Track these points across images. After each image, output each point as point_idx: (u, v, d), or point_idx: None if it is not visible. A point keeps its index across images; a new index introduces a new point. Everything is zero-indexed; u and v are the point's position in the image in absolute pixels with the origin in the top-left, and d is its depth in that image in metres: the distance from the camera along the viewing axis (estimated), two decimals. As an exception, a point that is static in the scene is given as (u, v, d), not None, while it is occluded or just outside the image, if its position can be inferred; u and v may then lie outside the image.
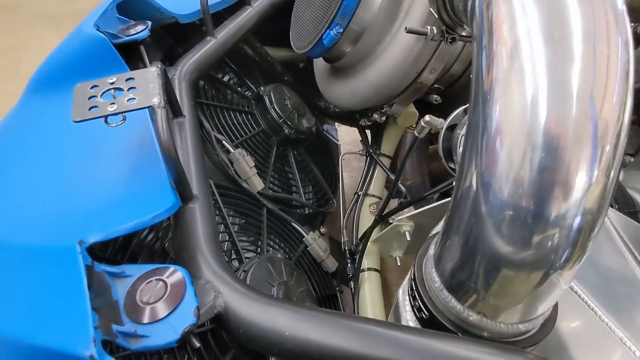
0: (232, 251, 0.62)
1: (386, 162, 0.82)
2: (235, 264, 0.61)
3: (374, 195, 0.80)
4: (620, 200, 0.75)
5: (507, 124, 0.31)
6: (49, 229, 0.31)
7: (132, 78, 0.38)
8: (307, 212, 0.84)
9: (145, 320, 0.25)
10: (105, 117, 0.35)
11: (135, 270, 0.28)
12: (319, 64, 0.81)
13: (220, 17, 0.75)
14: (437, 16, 0.47)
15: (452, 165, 0.47)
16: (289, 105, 0.86)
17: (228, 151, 0.71)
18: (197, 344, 0.30)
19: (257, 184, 0.72)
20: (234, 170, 0.70)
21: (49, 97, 0.49)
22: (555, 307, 0.40)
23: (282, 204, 0.78)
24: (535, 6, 0.32)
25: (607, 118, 0.29)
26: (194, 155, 0.44)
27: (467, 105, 0.46)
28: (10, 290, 0.27)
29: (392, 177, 0.74)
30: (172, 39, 0.79)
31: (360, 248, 0.68)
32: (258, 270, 0.53)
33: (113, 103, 0.35)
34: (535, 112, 0.30)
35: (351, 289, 0.68)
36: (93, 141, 0.39)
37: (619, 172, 0.31)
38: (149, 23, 0.53)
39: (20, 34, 2.51)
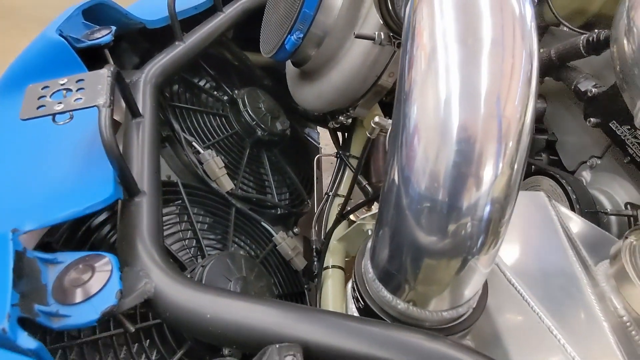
0: (197, 248, 0.64)
1: (355, 163, 0.84)
2: (200, 260, 0.63)
3: (343, 196, 0.82)
4: (582, 200, 0.77)
5: (423, 122, 0.34)
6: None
7: (82, 79, 0.40)
8: (279, 212, 0.86)
9: (70, 301, 0.27)
10: (53, 115, 0.37)
11: (67, 257, 0.30)
12: (290, 68, 0.83)
13: (196, 22, 0.78)
14: (382, 22, 0.49)
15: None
16: (263, 109, 0.88)
17: (198, 152, 0.73)
18: (132, 328, 0.32)
19: (226, 184, 0.74)
20: (203, 170, 0.72)
21: (8, 98, 0.51)
22: (484, 296, 0.42)
23: (253, 204, 0.80)
24: (453, 15, 0.34)
25: (510, 117, 0.31)
26: (149, 154, 0.46)
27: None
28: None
29: (362, 179, 0.75)
30: (148, 44, 0.82)
31: (324, 247, 0.70)
32: (217, 265, 0.55)
33: (60, 102, 0.37)
34: (448, 111, 0.32)
35: (315, 286, 0.70)
36: (43, 139, 0.42)
37: (524, 166, 0.33)
38: (113, 28, 0.55)
39: (13, 38, 2.53)
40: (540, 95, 1.08)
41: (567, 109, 0.97)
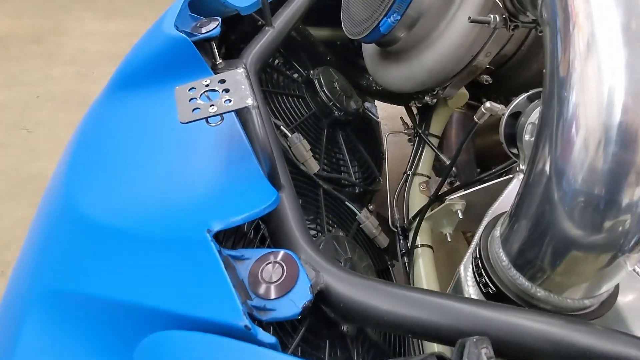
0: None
1: (434, 141, 0.84)
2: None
3: (422, 174, 0.83)
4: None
5: (583, 111, 0.33)
6: (174, 219, 0.36)
7: (224, 80, 0.41)
8: (357, 190, 0.88)
9: (271, 296, 0.30)
10: (207, 118, 0.39)
11: (252, 254, 0.33)
12: (369, 47, 0.82)
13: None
14: (501, 5, 0.48)
15: (514, 151, 0.50)
16: (338, 88, 0.89)
17: (285, 135, 0.75)
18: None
19: (313, 166, 0.76)
20: (292, 153, 0.74)
21: (137, 93, 0.54)
22: (615, 292, 0.43)
23: (334, 183, 0.82)
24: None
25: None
26: (274, 145, 0.48)
27: (530, 92, 0.48)
28: (153, 273, 0.33)
29: (444, 158, 0.76)
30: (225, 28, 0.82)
31: (414, 226, 0.72)
32: (326, 248, 0.58)
33: (213, 105, 0.39)
34: (612, 100, 0.32)
35: (405, 263, 0.72)
36: (186, 136, 0.44)
37: None
38: (219, 20, 0.56)
39: (58, 18, 2.58)
40: None
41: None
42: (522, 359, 0.32)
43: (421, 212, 0.70)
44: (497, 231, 0.44)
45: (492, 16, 0.51)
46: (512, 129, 0.48)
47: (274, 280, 0.31)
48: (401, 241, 0.75)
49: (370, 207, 0.93)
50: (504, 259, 0.42)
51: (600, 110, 0.33)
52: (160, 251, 0.34)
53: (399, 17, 0.60)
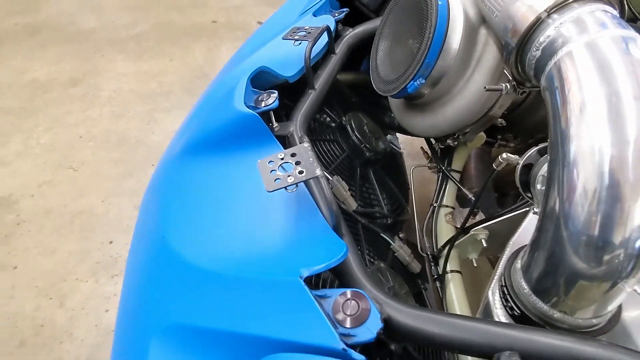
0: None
1: (456, 176, 0.95)
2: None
3: (447, 206, 0.93)
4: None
5: (581, 161, 0.43)
6: (267, 265, 0.47)
7: (295, 154, 0.53)
8: (388, 222, 0.98)
9: (351, 325, 0.41)
10: (286, 187, 0.50)
11: (332, 293, 0.44)
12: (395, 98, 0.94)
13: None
14: (510, 78, 0.59)
15: (529, 195, 0.60)
16: (367, 130, 1.00)
17: (327, 178, 0.86)
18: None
19: (351, 203, 0.86)
20: (334, 194, 0.85)
21: (211, 157, 0.66)
22: (619, 310, 0.52)
23: (369, 217, 0.93)
24: (596, 74, 0.45)
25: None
26: (329, 196, 0.59)
27: (540, 146, 0.58)
28: (258, 308, 0.43)
29: (468, 194, 0.86)
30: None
31: (444, 253, 0.82)
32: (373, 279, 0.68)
33: (290, 176, 0.50)
34: (601, 156, 0.42)
35: (437, 287, 0.82)
36: (261, 197, 0.55)
37: None
38: (276, 93, 0.68)
39: (93, 61, 2.78)
40: None
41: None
42: None
43: (450, 242, 0.80)
44: (519, 263, 0.54)
45: (504, 85, 0.61)
46: (526, 177, 0.59)
47: (351, 313, 0.42)
48: (432, 267, 0.85)
49: (401, 235, 1.03)
50: (525, 287, 0.52)
51: (593, 161, 0.43)
52: (261, 291, 0.45)
53: (424, 81, 0.72)
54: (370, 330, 0.40)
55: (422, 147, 1.26)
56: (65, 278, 1.62)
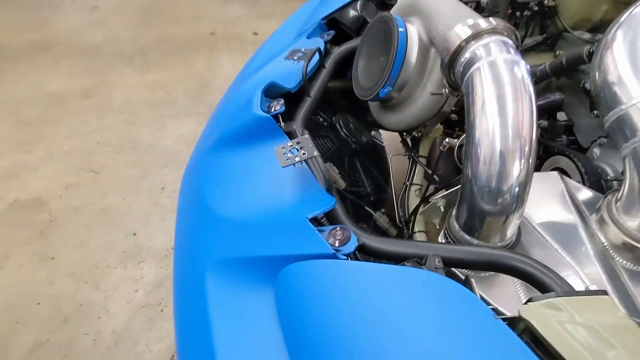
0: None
1: (423, 160, 1.20)
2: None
3: (416, 184, 1.18)
4: (589, 172, 1.09)
5: (482, 142, 0.69)
6: (284, 212, 0.72)
7: (299, 142, 0.78)
8: (371, 199, 1.23)
9: (338, 245, 0.66)
10: (294, 164, 0.75)
11: (326, 228, 0.69)
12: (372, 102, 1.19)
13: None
14: (447, 85, 0.85)
15: (462, 166, 0.85)
16: (353, 127, 1.25)
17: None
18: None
19: (341, 183, 1.12)
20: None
21: (238, 148, 0.91)
22: (519, 234, 0.77)
23: (355, 195, 1.18)
24: (492, 85, 0.70)
25: (525, 137, 0.66)
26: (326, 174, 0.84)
27: (468, 132, 0.83)
28: (279, 239, 0.68)
29: (428, 171, 1.11)
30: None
31: (412, 219, 1.07)
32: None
33: (297, 156, 0.76)
34: (494, 136, 0.67)
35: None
36: (276, 172, 0.80)
37: (534, 161, 0.68)
38: (283, 100, 0.93)
39: (104, 74, 3.02)
40: (559, 89, 1.39)
41: (579, 99, 1.28)
42: (456, 266, 0.66)
43: (415, 210, 1.06)
44: (453, 212, 0.80)
45: (445, 90, 0.87)
46: (460, 154, 0.84)
47: (339, 238, 0.67)
48: (404, 230, 1.10)
49: (383, 210, 1.28)
50: (457, 227, 0.77)
51: (488, 140, 0.68)
52: (279, 229, 0.70)
53: (390, 88, 0.97)
54: (350, 247, 0.65)
55: (401, 140, 1.52)
56: (98, 265, 1.85)
